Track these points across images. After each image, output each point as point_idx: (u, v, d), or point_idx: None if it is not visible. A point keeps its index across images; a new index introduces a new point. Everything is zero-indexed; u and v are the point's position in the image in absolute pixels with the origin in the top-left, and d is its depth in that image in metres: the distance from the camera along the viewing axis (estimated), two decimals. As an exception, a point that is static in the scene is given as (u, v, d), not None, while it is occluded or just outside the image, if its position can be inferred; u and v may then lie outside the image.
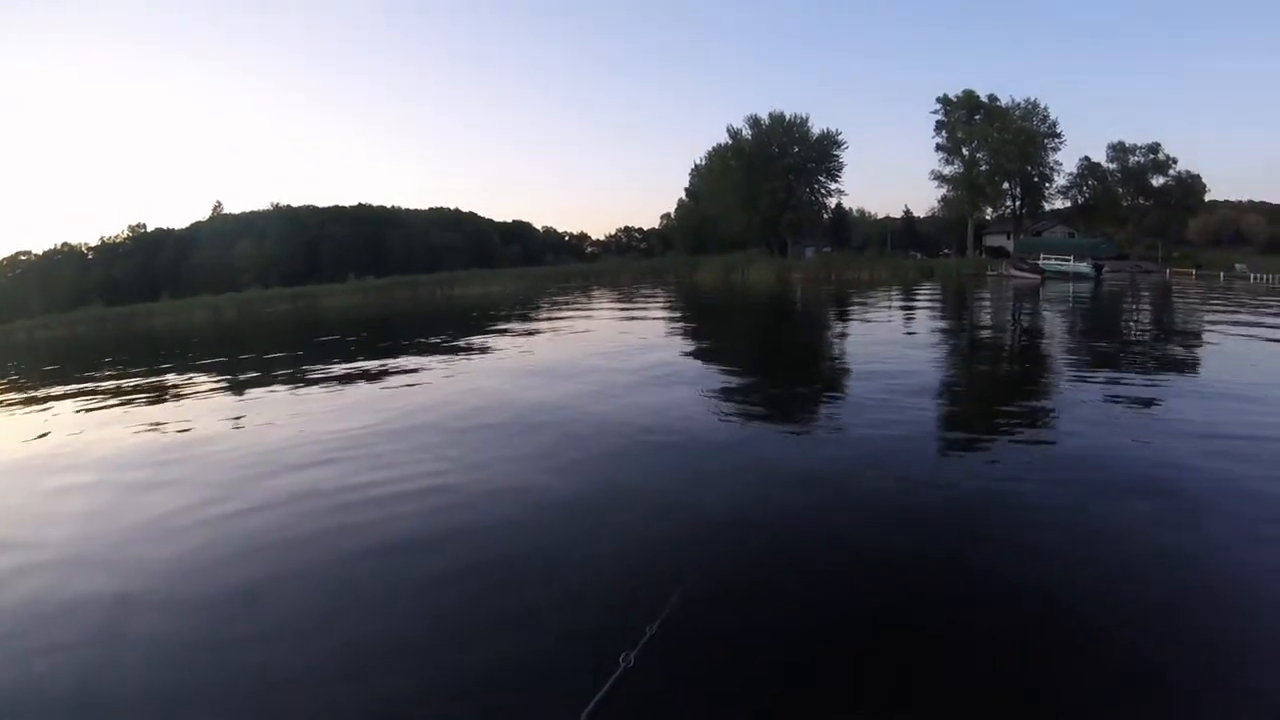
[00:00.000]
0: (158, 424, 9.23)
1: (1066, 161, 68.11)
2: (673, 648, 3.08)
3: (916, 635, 3.32)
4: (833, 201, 76.76)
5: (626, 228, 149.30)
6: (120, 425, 9.45)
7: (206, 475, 6.50)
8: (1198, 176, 66.89)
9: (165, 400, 11.84)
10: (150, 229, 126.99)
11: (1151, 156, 67.50)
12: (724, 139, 73.93)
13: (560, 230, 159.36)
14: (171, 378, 14.80)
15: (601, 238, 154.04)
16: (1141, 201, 68.58)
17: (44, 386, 15.28)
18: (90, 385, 14.08)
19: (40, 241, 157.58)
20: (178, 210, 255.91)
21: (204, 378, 13.80)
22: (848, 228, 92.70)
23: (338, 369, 13.72)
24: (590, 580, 4.06)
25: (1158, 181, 67.85)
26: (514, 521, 4.97)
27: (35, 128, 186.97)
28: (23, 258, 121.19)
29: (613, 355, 12.91)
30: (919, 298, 29.24)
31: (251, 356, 17.10)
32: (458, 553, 4.52)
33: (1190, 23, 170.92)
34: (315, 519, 5.26)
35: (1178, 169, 67.26)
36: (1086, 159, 69.03)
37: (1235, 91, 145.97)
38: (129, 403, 11.46)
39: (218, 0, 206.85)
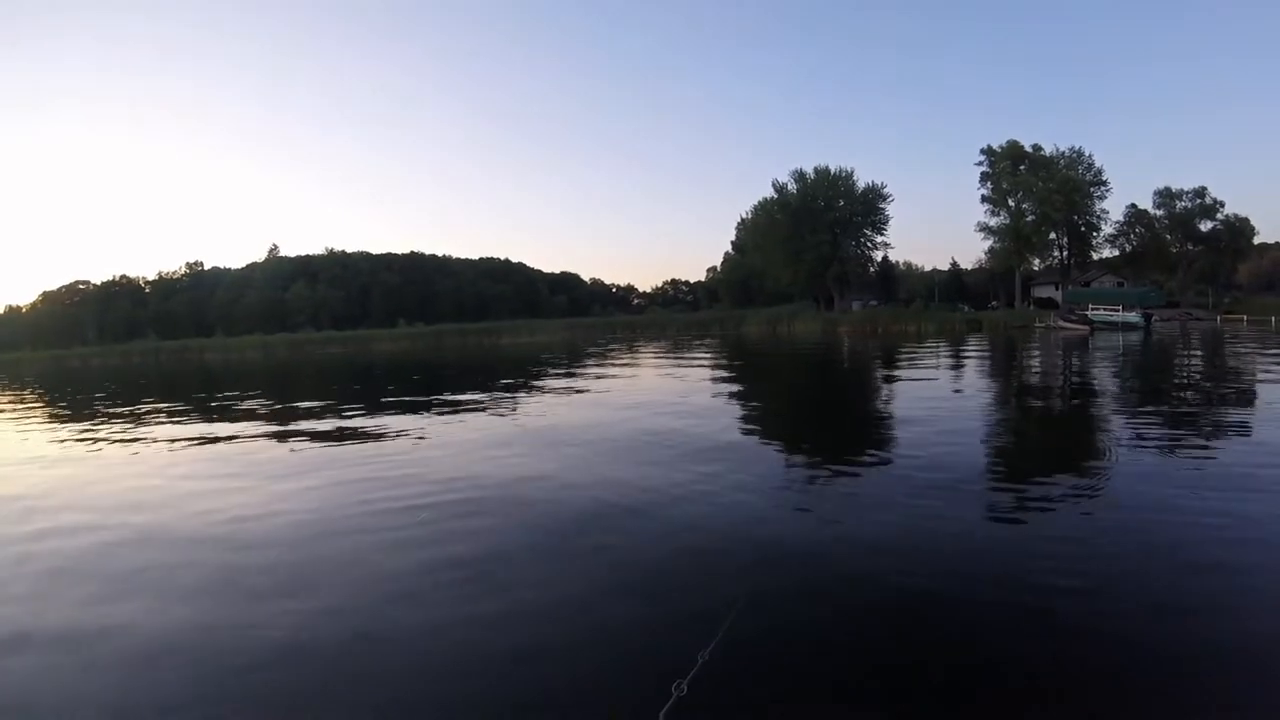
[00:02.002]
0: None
1: (1113, 209, 67.89)
2: (724, 675, 3.21)
3: (973, 674, 3.39)
4: (879, 254, 77.37)
5: (673, 280, 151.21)
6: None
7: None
8: (1246, 219, 66.30)
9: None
10: (207, 267, 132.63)
11: (1199, 201, 67.00)
12: (770, 193, 75.09)
13: (607, 282, 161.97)
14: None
15: (648, 290, 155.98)
16: (1190, 247, 67.95)
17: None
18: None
19: (99, 272, 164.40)
20: (234, 250, 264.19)
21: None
22: (894, 280, 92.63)
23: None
24: (638, 612, 4.22)
25: (1206, 226, 67.29)
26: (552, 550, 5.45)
27: (100, 163, 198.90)
28: (81, 286, 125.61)
29: (660, 408, 13.43)
30: (967, 352, 29.48)
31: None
32: (508, 583, 4.82)
33: (1233, 64, 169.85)
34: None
35: (1225, 212, 66.83)
36: (1133, 206, 68.83)
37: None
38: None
39: (276, 53, 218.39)
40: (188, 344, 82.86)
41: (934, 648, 3.67)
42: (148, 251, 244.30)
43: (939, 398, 14.75)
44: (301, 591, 4.81)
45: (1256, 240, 70.71)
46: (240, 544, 5.98)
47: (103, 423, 16.01)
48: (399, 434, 11.77)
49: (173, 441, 12.24)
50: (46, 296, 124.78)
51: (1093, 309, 50.88)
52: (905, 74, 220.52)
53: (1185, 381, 17.06)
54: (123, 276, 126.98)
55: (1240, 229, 66.48)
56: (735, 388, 19.10)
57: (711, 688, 3.08)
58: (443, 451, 10.03)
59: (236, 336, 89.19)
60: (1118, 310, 49.66)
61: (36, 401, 24.60)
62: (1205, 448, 8.60)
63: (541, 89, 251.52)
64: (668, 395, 16.70)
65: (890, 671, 3.45)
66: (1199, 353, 25.87)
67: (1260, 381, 16.39)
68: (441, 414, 14.65)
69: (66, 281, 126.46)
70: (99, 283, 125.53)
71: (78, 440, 13.27)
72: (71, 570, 5.48)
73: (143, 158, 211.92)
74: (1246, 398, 13.67)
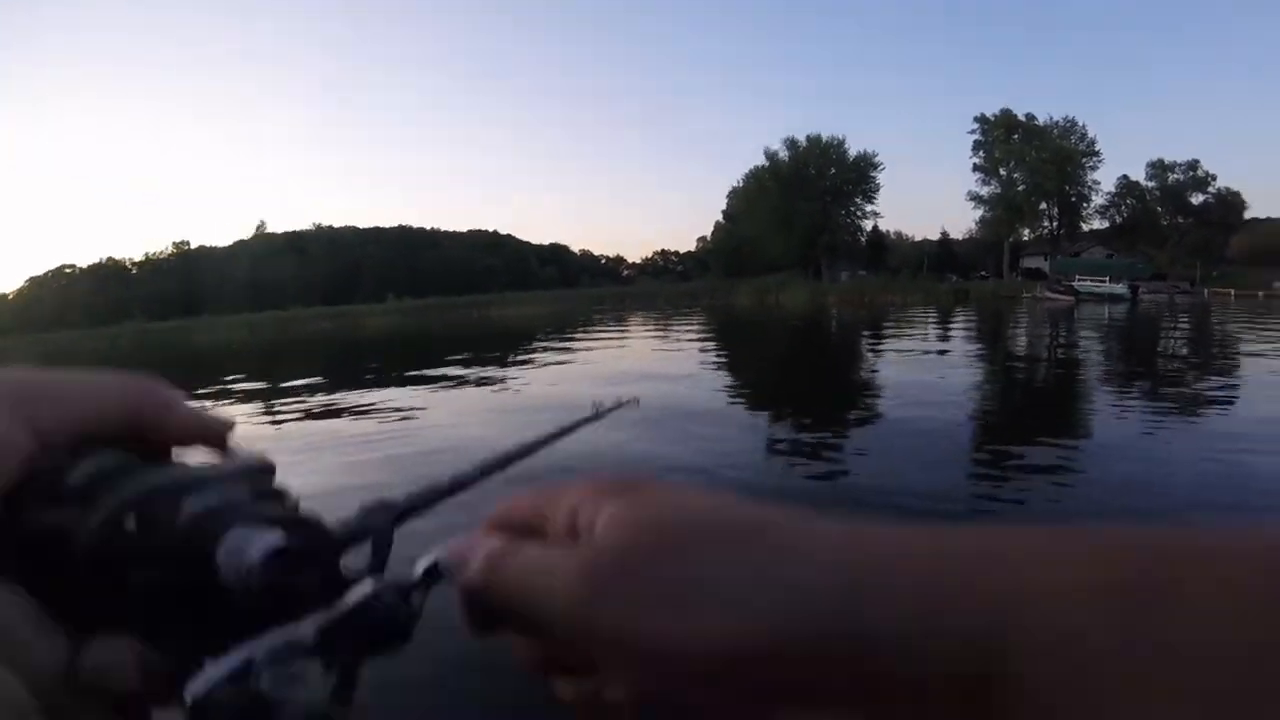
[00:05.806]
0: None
1: (1105, 180, 67.63)
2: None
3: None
4: (869, 224, 76.90)
5: (663, 251, 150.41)
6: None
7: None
8: (1238, 193, 66.32)
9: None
10: (194, 246, 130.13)
11: (1191, 174, 66.92)
12: (761, 161, 74.59)
13: (597, 253, 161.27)
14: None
15: (638, 261, 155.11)
16: (1181, 220, 67.95)
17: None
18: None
19: (85, 255, 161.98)
20: (221, 228, 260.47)
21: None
22: (884, 250, 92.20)
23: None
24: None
25: (1197, 199, 67.30)
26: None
27: (84, 143, 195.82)
28: (67, 270, 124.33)
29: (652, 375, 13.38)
30: (952, 324, 29.16)
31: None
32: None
33: (1227, 35, 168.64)
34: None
35: (1217, 185, 66.80)
36: (1125, 178, 68.69)
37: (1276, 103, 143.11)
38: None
39: (257, 27, 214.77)
40: (177, 325, 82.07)
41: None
42: (134, 233, 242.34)
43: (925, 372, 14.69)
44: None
45: (1247, 214, 70.72)
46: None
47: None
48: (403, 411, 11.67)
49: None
50: (33, 282, 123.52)
51: (1079, 280, 50.82)
52: (900, 41, 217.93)
53: (1173, 360, 16.83)
54: (109, 258, 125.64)
55: (1231, 203, 66.53)
56: (723, 357, 19.01)
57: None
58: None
59: (225, 315, 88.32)
60: (1104, 281, 49.66)
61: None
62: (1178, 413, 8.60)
63: (530, 59, 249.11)
64: (656, 364, 16.66)
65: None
66: (1186, 327, 25.52)
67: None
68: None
69: (53, 266, 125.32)
70: (84, 266, 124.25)
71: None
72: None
73: (126, 137, 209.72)
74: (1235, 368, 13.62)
